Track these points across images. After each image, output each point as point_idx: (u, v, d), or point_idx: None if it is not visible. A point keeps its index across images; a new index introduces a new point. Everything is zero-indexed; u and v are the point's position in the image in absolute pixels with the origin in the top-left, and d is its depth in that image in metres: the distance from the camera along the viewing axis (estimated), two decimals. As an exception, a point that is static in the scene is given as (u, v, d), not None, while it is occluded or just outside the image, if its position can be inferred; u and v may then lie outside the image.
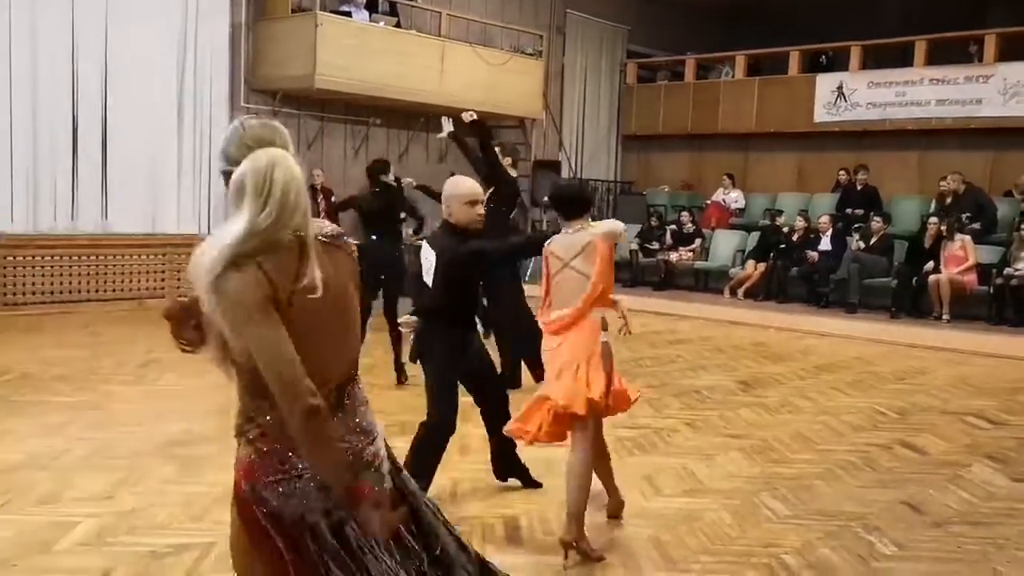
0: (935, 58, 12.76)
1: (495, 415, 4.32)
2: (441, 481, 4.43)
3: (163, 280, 10.59)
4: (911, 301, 10.66)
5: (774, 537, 3.93)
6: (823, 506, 4.38)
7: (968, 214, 11.17)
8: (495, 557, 3.60)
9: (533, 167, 13.86)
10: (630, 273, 13.28)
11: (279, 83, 11.14)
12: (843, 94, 13.38)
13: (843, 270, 11.14)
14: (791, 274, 11.76)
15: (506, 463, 4.46)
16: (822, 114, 13.61)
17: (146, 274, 10.45)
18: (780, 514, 4.25)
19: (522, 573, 3.47)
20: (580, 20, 15.20)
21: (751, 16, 15.57)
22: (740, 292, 12.10)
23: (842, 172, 12.96)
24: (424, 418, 4.08)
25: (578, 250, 3.68)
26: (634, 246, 13.22)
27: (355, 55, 10.88)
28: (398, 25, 12.00)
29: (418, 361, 4.17)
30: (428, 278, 4.11)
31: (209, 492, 4.07)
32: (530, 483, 4.49)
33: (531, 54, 13.59)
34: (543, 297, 3.83)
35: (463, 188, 4.03)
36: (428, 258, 4.12)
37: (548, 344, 3.76)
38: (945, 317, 10.24)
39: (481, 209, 4.05)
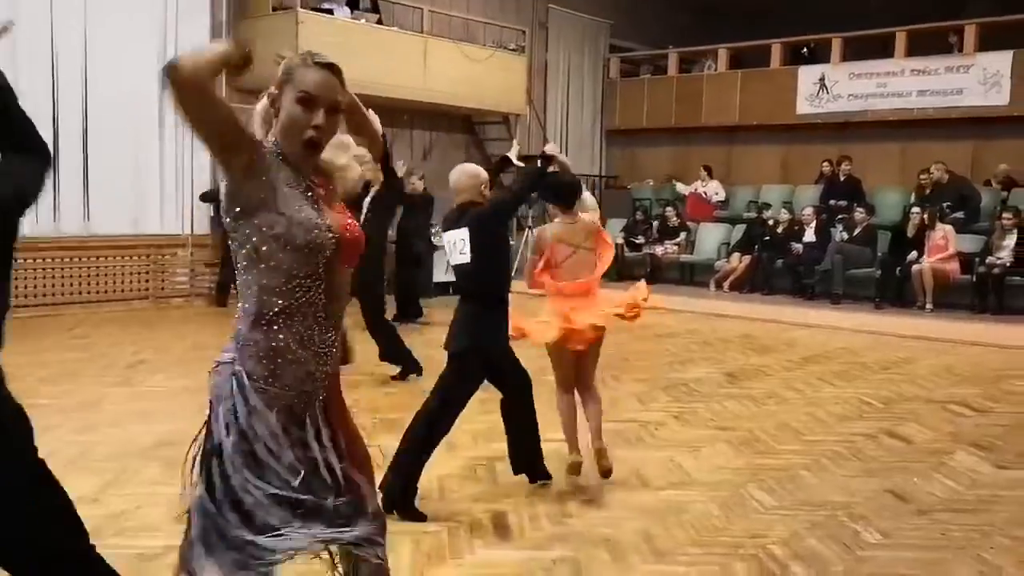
0: (916, 49, 12.84)
1: (516, 404, 4.30)
2: (428, 478, 4.44)
3: (148, 281, 10.55)
4: (895, 291, 10.74)
5: (761, 528, 3.96)
6: (809, 496, 4.41)
7: (950, 203, 11.26)
8: (485, 553, 3.62)
9: (517, 163, 13.85)
10: (616, 267, 13.28)
11: (261, 82, 11.02)
12: (825, 86, 13.45)
13: (827, 261, 11.21)
14: (776, 266, 11.83)
15: (523, 459, 4.37)
16: (805, 106, 13.68)
17: (131, 275, 10.40)
18: (767, 505, 4.28)
19: (512, 569, 3.49)
20: (562, 15, 15.20)
21: (732, 9, 15.62)
22: (726, 285, 12.15)
23: (825, 164, 13.03)
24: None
25: (584, 235, 4.45)
26: (620, 240, 13.24)
27: (337, 52, 10.46)
28: (380, 22, 11.98)
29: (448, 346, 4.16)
30: (460, 259, 4.12)
31: (197, 493, 4.06)
32: (541, 475, 4.42)
33: (514, 50, 13.59)
34: (539, 272, 4.41)
35: (474, 170, 4.28)
36: (458, 239, 4.13)
37: (561, 304, 4.34)
38: (928, 307, 10.32)
39: (488, 190, 4.28)
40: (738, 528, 3.97)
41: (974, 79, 12.15)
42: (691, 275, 13.16)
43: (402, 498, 3.91)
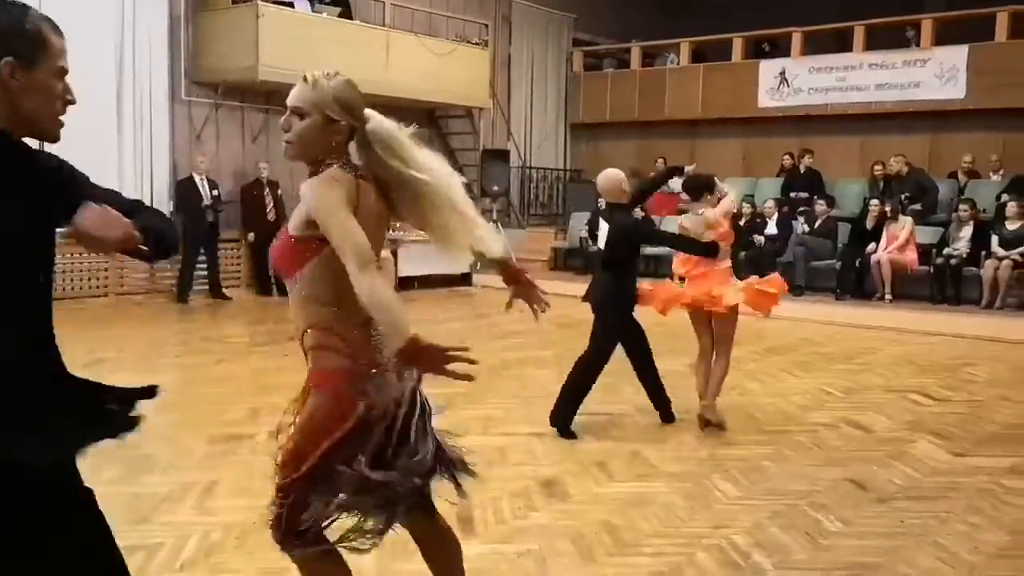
0: (874, 43, 13.00)
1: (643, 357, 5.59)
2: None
3: (107, 278, 10.38)
4: (855, 282, 10.87)
5: (725, 518, 3.99)
6: (772, 486, 4.45)
7: (908, 195, 11.43)
8: (449, 548, 3.60)
9: (481, 156, 13.84)
10: (582, 260, 13.36)
11: (221, 75, 10.97)
12: (786, 80, 13.58)
13: (789, 253, 11.32)
14: (739, 258, 11.89)
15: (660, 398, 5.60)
16: (766, 100, 13.80)
17: (91, 272, 10.23)
18: (730, 495, 4.31)
19: (476, 563, 3.47)
20: (525, 9, 15.19)
21: (694, 3, 15.70)
22: (689, 277, 12.21)
23: (786, 156, 13.15)
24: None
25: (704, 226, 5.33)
26: (584, 234, 13.29)
27: (299, 46, 10.74)
28: (342, 15, 11.88)
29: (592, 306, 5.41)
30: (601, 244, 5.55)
31: (155, 493, 4.00)
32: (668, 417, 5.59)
33: (477, 43, 13.55)
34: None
35: (619, 176, 5.41)
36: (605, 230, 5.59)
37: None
38: (888, 297, 10.47)
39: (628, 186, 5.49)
40: (702, 518, 3.99)
41: (931, 73, 12.33)
42: (656, 268, 13.20)
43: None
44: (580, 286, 13.62)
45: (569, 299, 12.46)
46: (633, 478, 4.56)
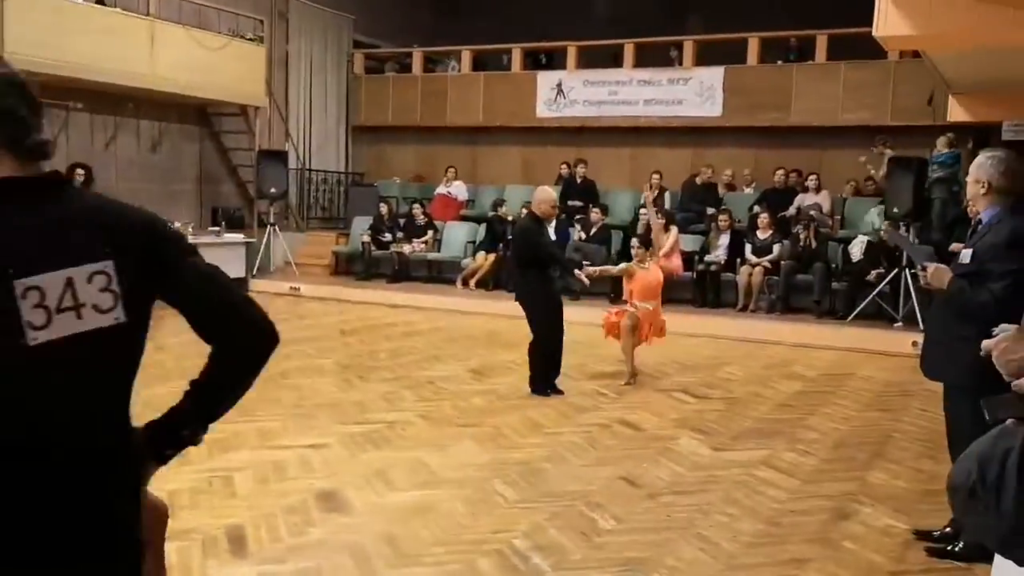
0: (643, 61, 13.75)
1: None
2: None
3: None
4: (627, 287, 11.41)
5: (505, 522, 4.02)
6: (550, 488, 4.55)
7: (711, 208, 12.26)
8: (218, 572, 3.39)
9: (258, 157, 13.31)
10: (363, 265, 13.17)
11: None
12: (562, 91, 14.06)
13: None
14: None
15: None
16: (543, 110, 14.21)
17: None
18: (511, 499, 4.36)
19: (248, 586, 3.29)
20: (303, 7, 14.77)
21: (475, 10, 15.94)
22: (472, 283, 12.35)
23: (563, 165, 13.62)
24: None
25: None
26: (366, 238, 13.11)
27: (50, 32, 9.84)
28: (100, 2, 11.02)
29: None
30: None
31: None
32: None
33: (252, 39, 13.03)
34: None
35: (551, 195, 6.93)
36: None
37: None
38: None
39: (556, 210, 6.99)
40: (483, 524, 4.00)
41: (692, 91, 13.19)
42: (438, 273, 13.27)
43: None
44: (362, 292, 13.33)
45: (352, 305, 12.25)
46: (415, 486, 4.51)
